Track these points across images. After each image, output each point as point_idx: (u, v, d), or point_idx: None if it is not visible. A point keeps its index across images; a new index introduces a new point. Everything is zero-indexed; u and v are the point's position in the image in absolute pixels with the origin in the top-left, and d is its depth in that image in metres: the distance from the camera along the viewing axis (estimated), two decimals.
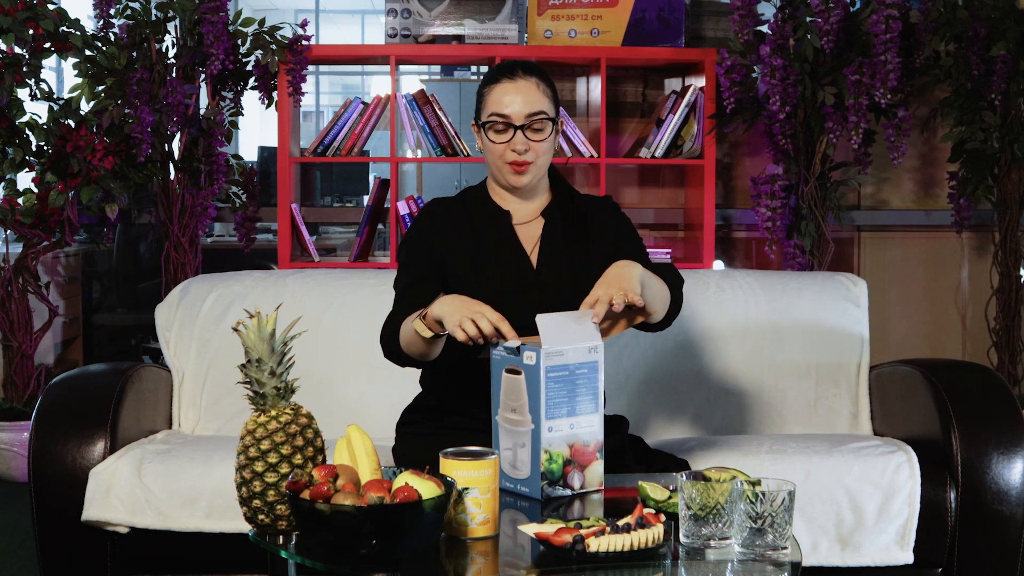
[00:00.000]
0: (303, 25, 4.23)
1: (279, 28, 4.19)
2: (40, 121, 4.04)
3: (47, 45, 4.04)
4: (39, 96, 4.05)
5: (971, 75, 3.92)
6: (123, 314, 5.49)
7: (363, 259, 4.40)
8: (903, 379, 2.76)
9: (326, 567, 1.66)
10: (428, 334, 2.06)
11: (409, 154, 4.50)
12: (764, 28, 4.08)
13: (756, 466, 2.45)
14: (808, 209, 4.12)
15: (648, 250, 2.46)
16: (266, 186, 5.36)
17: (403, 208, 4.26)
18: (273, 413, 1.80)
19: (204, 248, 4.43)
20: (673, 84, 4.61)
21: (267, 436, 1.77)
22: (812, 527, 2.44)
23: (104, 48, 4.10)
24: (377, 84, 12.10)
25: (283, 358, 1.82)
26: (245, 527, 1.84)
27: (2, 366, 4.24)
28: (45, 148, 4.07)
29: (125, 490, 2.43)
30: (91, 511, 2.43)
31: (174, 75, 4.15)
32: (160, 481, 2.45)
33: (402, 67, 5.54)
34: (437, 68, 8.17)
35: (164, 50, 4.16)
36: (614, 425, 2.35)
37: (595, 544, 1.61)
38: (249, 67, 4.27)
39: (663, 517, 1.67)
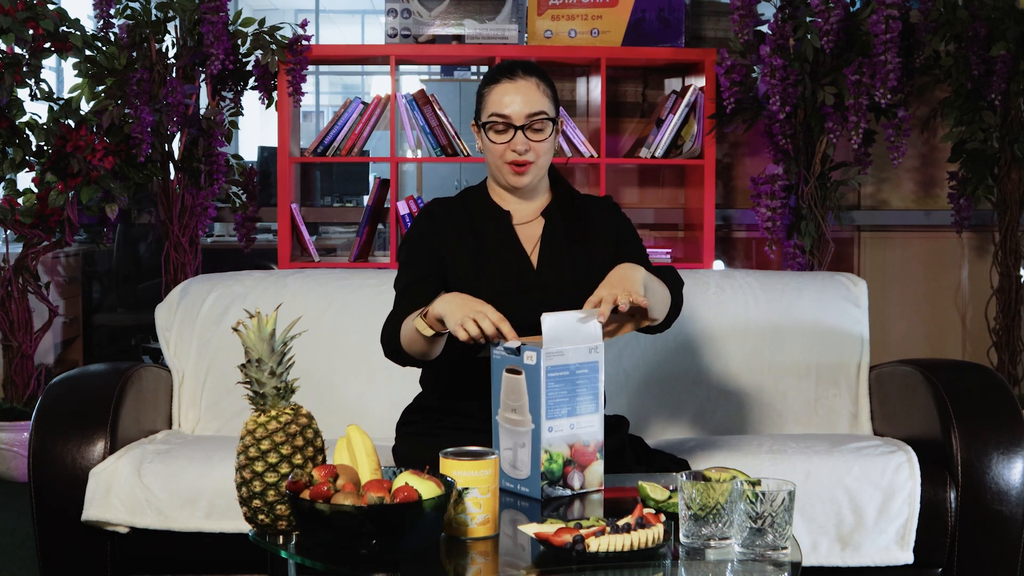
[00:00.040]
0: (303, 25, 4.23)
1: (279, 28, 4.19)
2: (40, 121, 4.04)
3: (47, 45, 4.04)
4: (39, 96, 4.05)
5: (971, 75, 3.92)
6: (123, 314, 5.49)
7: (363, 259, 4.40)
8: (903, 379, 2.76)
9: (326, 567, 1.66)
10: (429, 333, 2.06)
11: (409, 154, 4.50)
12: (764, 28, 4.08)
13: (756, 466, 2.45)
14: (808, 209, 4.12)
15: (648, 250, 2.46)
16: (266, 186, 5.36)
17: (403, 208, 4.26)
18: (273, 413, 1.80)
19: (204, 248, 4.44)
20: (673, 84, 4.61)
21: (267, 436, 1.77)
22: (812, 527, 2.44)
23: (104, 48, 4.11)
24: (377, 84, 12.11)
25: (283, 358, 1.82)
26: (245, 527, 1.84)
27: (2, 366, 4.24)
28: (45, 148, 4.07)
29: (125, 490, 2.43)
30: (91, 511, 2.43)
31: (174, 75, 4.15)
32: (160, 481, 2.45)
33: (402, 67, 5.54)
34: (437, 68, 8.16)
35: (164, 50, 4.16)
36: (614, 425, 2.35)
37: (595, 544, 1.61)
38: (249, 67, 4.28)
39: (663, 517, 1.67)
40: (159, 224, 4.40)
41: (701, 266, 4.26)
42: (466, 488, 1.72)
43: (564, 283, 2.27)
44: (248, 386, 1.81)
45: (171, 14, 4.14)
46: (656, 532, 1.64)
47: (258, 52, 4.17)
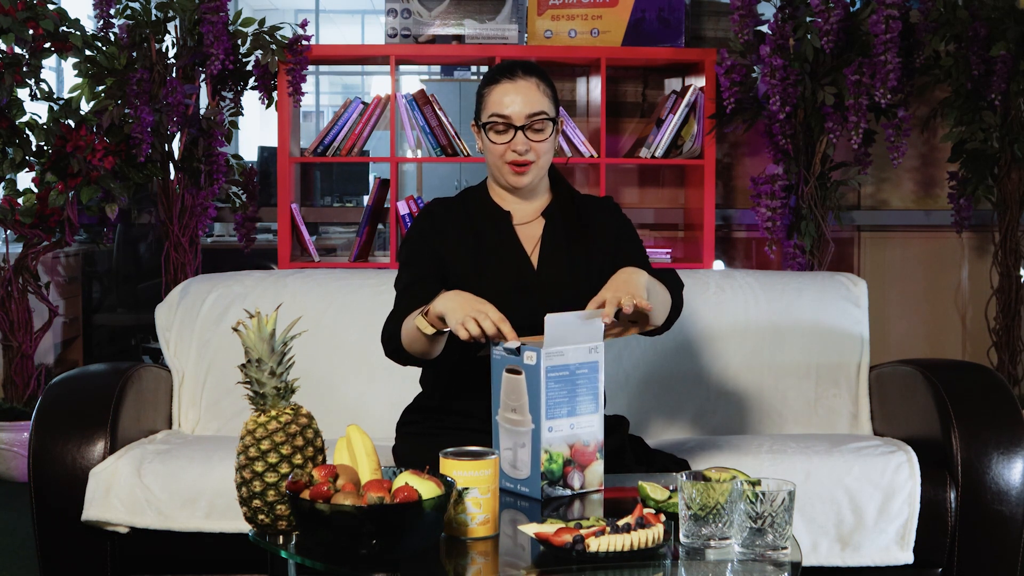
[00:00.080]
0: (303, 25, 4.23)
1: (279, 28, 4.19)
2: (40, 121, 4.04)
3: (47, 45, 4.04)
4: (39, 96, 4.05)
5: (971, 75, 3.92)
6: (123, 314, 5.49)
7: (363, 259, 4.40)
8: (903, 379, 2.76)
9: (326, 567, 1.66)
10: (430, 331, 2.06)
11: (409, 154, 4.50)
12: (764, 28, 4.08)
13: (756, 466, 2.45)
14: (808, 209, 4.12)
15: (648, 250, 2.46)
16: (266, 186, 5.36)
17: (403, 208, 4.26)
18: (273, 413, 1.80)
19: (204, 248, 4.44)
20: (673, 84, 4.61)
21: (267, 436, 1.77)
22: (812, 527, 2.44)
23: (104, 48, 4.11)
24: (377, 84, 12.11)
25: (283, 358, 1.82)
26: (245, 527, 1.84)
27: (2, 366, 4.24)
28: (45, 148, 4.07)
29: (125, 490, 2.43)
30: (91, 511, 2.43)
31: (174, 75, 4.15)
32: (160, 481, 2.45)
33: (402, 67, 5.54)
34: (437, 68, 8.17)
35: (164, 50, 4.16)
36: (614, 425, 2.35)
37: (595, 544, 1.61)
38: (249, 67, 4.28)
39: (663, 517, 1.67)
40: (159, 224, 4.40)
41: (701, 266, 4.26)
42: (466, 488, 1.72)
43: (564, 283, 2.27)
44: (248, 386, 1.81)
45: (171, 14, 4.14)
46: (656, 532, 1.64)
47: (258, 52, 4.17)
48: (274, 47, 4.15)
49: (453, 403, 2.31)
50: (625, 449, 2.34)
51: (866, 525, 2.44)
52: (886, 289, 4.60)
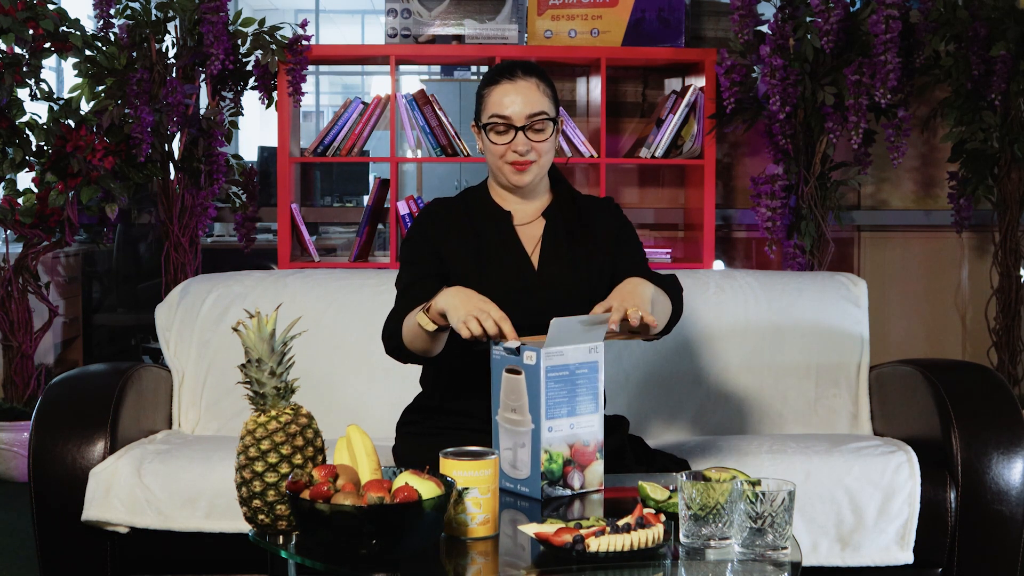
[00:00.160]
0: (303, 25, 4.23)
1: (279, 28, 4.19)
2: (40, 121, 4.04)
3: (47, 45, 4.04)
4: (39, 96, 4.05)
5: (971, 75, 3.92)
6: (123, 314, 5.50)
7: (363, 259, 4.40)
8: (903, 379, 2.76)
9: (326, 567, 1.66)
10: (432, 327, 2.06)
11: (409, 154, 4.50)
12: (764, 28, 4.08)
13: (756, 466, 2.45)
14: (808, 209, 4.12)
15: (648, 250, 2.46)
16: (266, 186, 5.36)
17: (403, 208, 4.26)
18: (273, 413, 1.80)
19: (204, 248, 4.44)
20: (673, 84, 4.61)
21: (267, 436, 1.77)
22: (812, 527, 2.44)
23: (104, 48, 4.11)
24: (377, 84, 12.10)
25: (283, 358, 1.82)
26: (245, 527, 1.84)
27: (2, 366, 4.24)
28: (45, 148, 4.07)
29: (125, 490, 2.43)
30: (91, 511, 2.43)
31: (174, 75, 4.15)
32: (160, 481, 2.45)
33: (402, 67, 5.54)
34: (437, 68, 8.16)
35: (164, 50, 4.16)
36: (614, 425, 2.35)
37: (595, 544, 1.61)
38: (249, 67, 4.28)
39: (663, 517, 1.67)
40: (159, 224, 4.40)
41: (701, 266, 4.26)
42: (466, 488, 1.72)
43: (565, 283, 2.27)
44: (248, 386, 1.81)
45: (171, 14, 4.14)
46: (656, 532, 1.64)
47: (258, 52, 4.17)
48: (274, 47, 4.15)
49: (453, 403, 2.31)
50: (625, 449, 2.34)
51: (866, 525, 2.44)
52: (886, 289, 4.60)
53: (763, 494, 1.64)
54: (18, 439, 4.01)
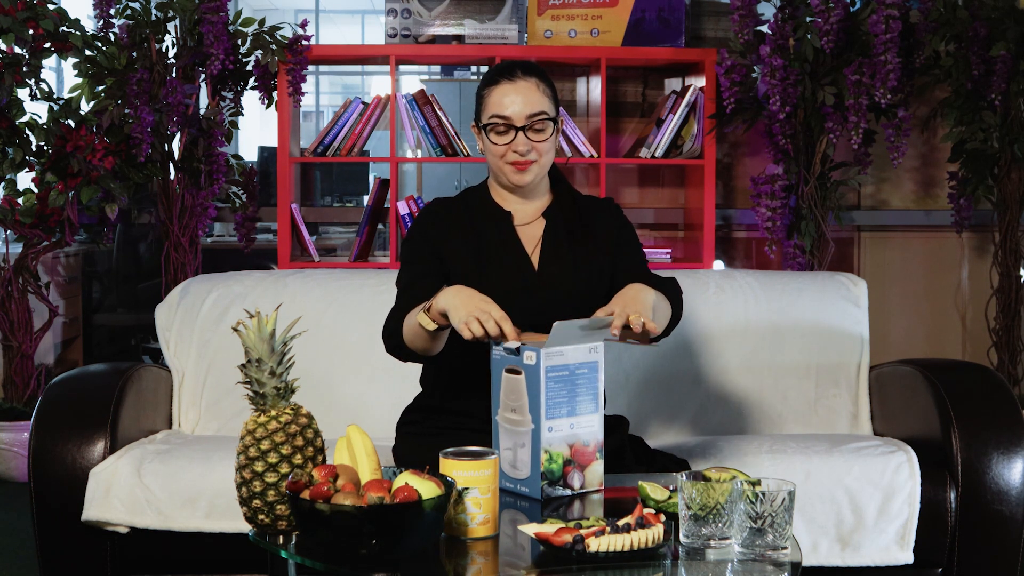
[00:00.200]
0: (303, 25, 4.23)
1: (279, 28, 4.19)
2: (40, 121, 4.04)
3: (47, 45, 4.04)
4: (39, 96, 4.05)
5: (971, 75, 3.92)
6: (123, 314, 5.49)
7: (363, 259, 4.40)
8: (903, 379, 2.76)
9: (326, 567, 1.66)
10: (432, 327, 2.06)
11: (409, 154, 4.50)
12: (764, 28, 4.08)
13: (756, 466, 2.45)
14: (808, 209, 4.12)
15: (648, 250, 2.46)
16: (266, 186, 5.37)
17: (403, 208, 4.26)
18: (273, 413, 1.80)
19: (204, 248, 4.44)
20: (673, 84, 4.61)
21: (267, 436, 1.77)
22: (812, 527, 2.44)
23: (104, 48, 4.11)
24: (377, 84, 12.10)
25: (283, 358, 1.82)
26: (245, 527, 1.84)
27: (2, 366, 4.24)
28: (45, 148, 4.07)
29: (125, 490, 2.43)
30: (91, 511, 2.43)
31: (174, 75, 4.15)
32: (160, 481, 2.45)
33: (402, 67, 5.54)
34: (437, 68, 8.16)
35: (164, 50, 4.16)
36: (614, 425, 2.35)
37: (595, 544, 1.61)
38: (249, 67, 4.28)
39: (663, 517, 1.67)
40: (159, 224, 4.40)
41: (701, 266, 4.26)
42: (466, 488, 1.72)
43: (565, 284, 2.27)
44: (248, 386, 1.81)
45: (171, 14, 4.14)
46: (656, 532, 1.64)
47: (258, 52, 4.17)
48: (274, 47, 4.15)
49: (453, 403, 2.31)
50: (625, 449, 2.34)
51: (866, 525, 2.44)
52: (886, 289, 4.60)
53: (763, 494, 1.64)
54: (18, 439, 4.01)
